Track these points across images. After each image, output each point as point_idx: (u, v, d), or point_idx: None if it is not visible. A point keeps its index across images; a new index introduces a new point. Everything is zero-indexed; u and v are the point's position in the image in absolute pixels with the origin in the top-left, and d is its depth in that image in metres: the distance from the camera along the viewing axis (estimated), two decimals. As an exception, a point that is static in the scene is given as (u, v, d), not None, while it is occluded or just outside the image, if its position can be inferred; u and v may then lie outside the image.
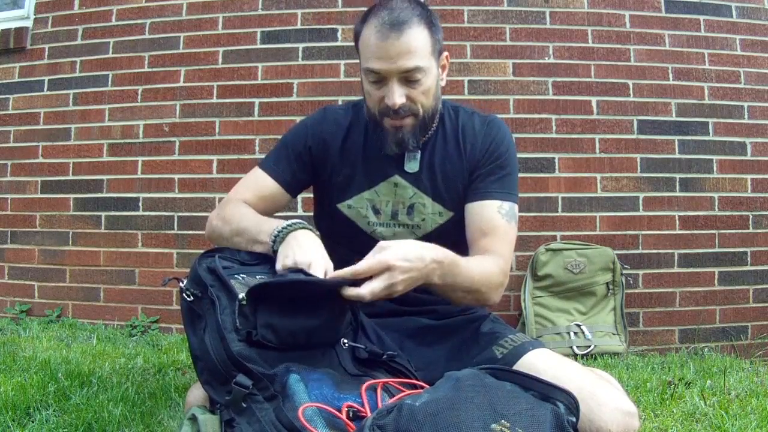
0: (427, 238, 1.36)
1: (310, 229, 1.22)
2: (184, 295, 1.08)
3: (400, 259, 1.09)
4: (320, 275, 1.09)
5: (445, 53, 1.37)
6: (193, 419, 0.98)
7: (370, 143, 1.39)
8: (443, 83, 1.38)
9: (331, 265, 1.13)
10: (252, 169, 1.46)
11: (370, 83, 1.29)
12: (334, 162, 1.41)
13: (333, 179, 1.41)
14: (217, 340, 1.00)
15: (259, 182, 1.42)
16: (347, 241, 1.36)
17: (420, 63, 1.25)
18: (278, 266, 1.13)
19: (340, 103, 2.47)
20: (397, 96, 1.26)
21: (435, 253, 1.15)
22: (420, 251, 1.13)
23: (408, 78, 1.26)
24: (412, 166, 1.37)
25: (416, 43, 1.24)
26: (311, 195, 1.52)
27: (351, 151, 1.40)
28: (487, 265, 1.27)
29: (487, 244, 1.31)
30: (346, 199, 1.39)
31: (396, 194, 1.38)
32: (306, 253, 1.13)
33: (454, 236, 1.39)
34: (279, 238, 1.19)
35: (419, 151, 1.37)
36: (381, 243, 1.13)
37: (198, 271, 1.10)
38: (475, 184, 1.36)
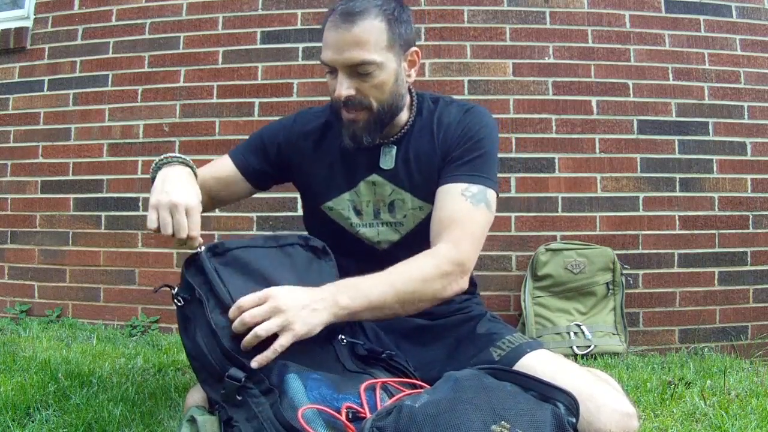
0: (412, 234, 1.35)
1: (189, 165, 1.24)
2: (175, 301, 1.09)
3: (283, 289, 1.05)
4: (197, 220, 1.12)
5: (414, 49, 1.32)
6: (192, 420, 0.98)
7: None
8: (411, 79, 1.33)
9: (200, 206, 1.14)
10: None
11: (326, 74, 1.30)
12: (309, 163, 1.40)
13: (311, 180, 1.41)
14: (209, 338, 1.01)
15: (220, 163, 1.45)
16: (333, 242, 1.33)
17: (369, 57, 1.22)
18: (152, 200, 1.13)
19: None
20: (344, 88, 1.24)
21: (325, 285, 1.11)
22: (304, 289, 1.08)
23: (357, 71, 1.23)
24: (387, 162, 1.35)
25: (368, 35, 1.22)
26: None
27: (327, 152, 1.39)
28: (418, 262, 1.18)
29: (439, 231, 1.23)
30: (326, 201, 1.39)
31: (375, 193, 1.36)
32: (182, 193, 1.13)
33: None
34: (155, 167, 1.23)
35: (394, 147, 1.35)
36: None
37: (185, 275, 1.10)
38: (445, 169, 1.31)
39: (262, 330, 0.98)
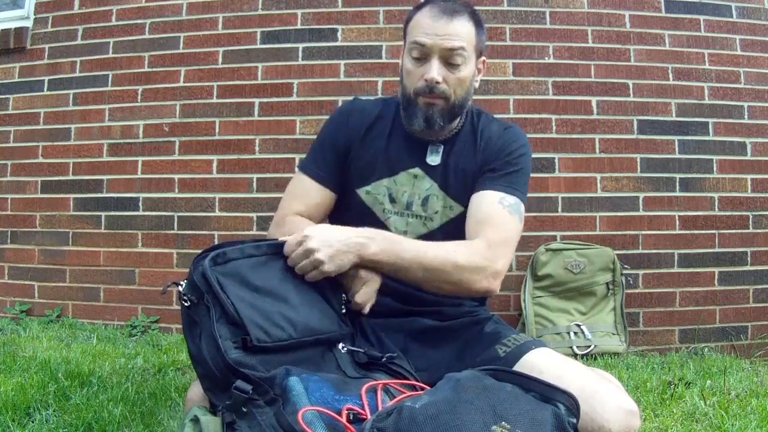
0: (439, 230, 1.39)
1: None
2: (182, 300, 1.08)
3: (318, 229, 1.17)
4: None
5: (484, 58, 1.42)
6: (195, 420, 0.98)
7: (395, 134, 1.42)
8: (476, 85, 1.42)
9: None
10: (294, 175, 1.49)
11: (412, 60, 1.34)
12: (356, 147, 1.44)
13: (354, 164, 1.43)
14: (213, 349, 1.00)
15: (306, 189, 1.44)
16: (359, 225, 1.33)
17: (463, 45, 1.31)
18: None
19: (339, 103, 2.47)
20: (436, 72, 1.30)
21: (364, 229, 1.22)
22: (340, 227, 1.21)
23: (449, 60, 1.31)
24: (434, 158, 1.40)
25: (464, 31, 1.32)
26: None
27: (375, 139, 1.43)
28: (454, 246, 1.25)
29: (476, 231, 1.29)
30: (365, 185, 1.41)
31: (414, 185, 1.40)
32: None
33: (460, 236, 1.38)
34: None
35: (441, 146, 1.41)
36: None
37: (193, 276, 1.08)
38: (484, 175, 1.37)
39: (299, 270, 1.14)
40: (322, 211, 1.44)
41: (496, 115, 1.49)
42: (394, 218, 1.40)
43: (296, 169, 1.48)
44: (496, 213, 1.31)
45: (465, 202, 1.38)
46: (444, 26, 1.31)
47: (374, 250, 1.18)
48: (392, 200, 1.41)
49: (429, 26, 1.32)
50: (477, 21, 1.37)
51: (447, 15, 1.32)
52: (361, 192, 1.42)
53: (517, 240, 1.33)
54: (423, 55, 1.33)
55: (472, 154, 1.41)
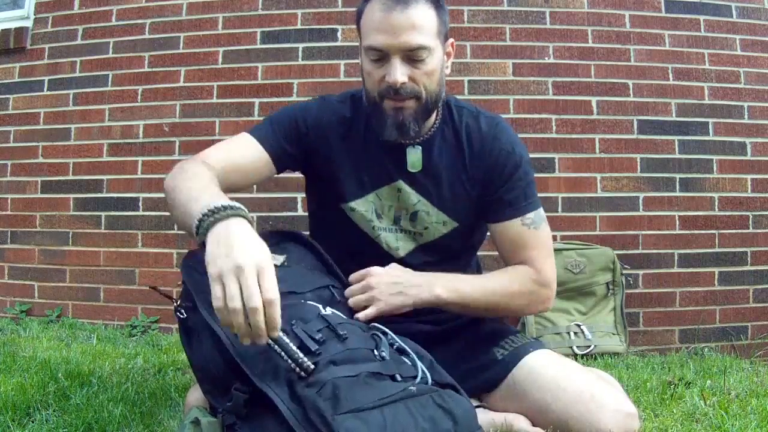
0: (431, 246, 1.33)
1: (244, 216, 0.95)
2: (177, 314, 1.07)
3: (381, 270, 1.20)
4: (273, 280, 0.88)
5: (451, 40, 1.29)
6: (196, 423, 0.98)
7: (370, 141, 1.30)
8: (448, 71, 1.29)
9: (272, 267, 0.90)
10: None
11: (370, 62, 1.21)
12: (334, 158, 1.32)
13: (334, 177, 1.32)
14: (210, 348, 0.99)
15: (242, 146, 1.29)
16: (348, 244, 1.31)
17: (425, 41, 1.17)
18: (212, 270, 0.87)
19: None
20: (399, 74, 1.17)
21: (425, 272, 1.23)
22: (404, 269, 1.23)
23: (411, 56, 1.18)
24: (414, 164, 1.29)
25: (422, 19, 1.17)
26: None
27: (352, 149, 1.32)
28: (507, 276, 1.29)
29: (519, 256, 1.31)
30: (350, 201, 1.32)
31: (399, 199, 1.31)
32: (247, 252, 0.88)
33: (458, 245, 1.36)
34: (204, 226, 0.93)
35: (420, 148, 1.29)
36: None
37: (185, 282, 1.07)
38: (495, 203, 1.31)
39: (352, 302, 1.15)
40: (243, 176, 1.26)
41: (500, 119, 1.41)
42: (384, 234, 1.33)
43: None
44: (526, 236, 1.30)
45: (458, 217, 1.32)
46: (399, 19, 1.15)
47: (438, 293, 1.20)
48: (379, 216, 1.33)
49: (382, 22, 1.16)
50: (435, 1, 1.21)
51: (401, 3, 1.16)
52: (346, 209, 1.33)
53: (551, 243, 1.36)
54: (381, 57, 1.19)
55: (459, 160, 1.31)
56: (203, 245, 0.92)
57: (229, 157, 1.25)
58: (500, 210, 1.31)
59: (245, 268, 0.85)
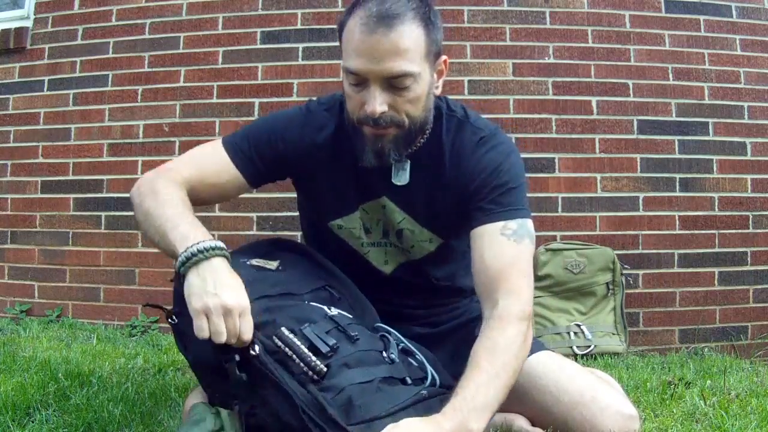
0: (421, 262, 1.30)
1: (227, 257, 1.04)
2: (169, 321, 1.08)
3: (404, 426, 0.91)
4: (250, 323, 0.97)
5: (444, 57, 1.18)
6: (216, 414, 0.98)
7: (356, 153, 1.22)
8: (438, 91, 1.19)
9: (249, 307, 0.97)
10: (211, 141, 1.27)
11: (350, 85, 1.11)
12: (317, 176, 1.26)
13: (319, 195, 1.28)
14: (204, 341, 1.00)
15: (215, 162, 1.21)
16: (338, 260, 1.27)
17: (409, 68, 1.07)
18: (196, 303, 0.96)
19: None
20: (378, 103, 1.07)
21: (446, 411, 0.95)
22: (427, 422, 0.93)
23: (394, 84, 1.08)
24: (401, 177, 1.21)
25: (407, 42, 1.06)
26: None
27: (337, 166, 1.24)
28: (500, 344, 1.05)
29: (496, 292, 1.09)
30: (336, 218, 1.27)
31: (385, 214, 1.26)
32: (234, 295, 0.97)
33: (449, 262, 1.33)
34: (189, 264, 1.03)
35: (408, 161, 1.21)
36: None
37: (176, 290, 1.08)
38: (475, 210, 1.18)
39: None
40: (215, 193, 1.23)
41: (495, 116, 1.40)
42: (373, 251, 1.29)
43: (219, 140, 1.26)
44: (504, 252, 1.12)
45: (444, 234, 1.26)
46: (381, 42, 1.04)
47: (475, 427, 0.94)
48: (368, 231, 1.27)
49: (363, 44, 1.05)
50: (426, 17, 1.10)
51: (384, 24, 1.04)
52: (333, 226, 1.28)
53: (531, 262, 1.16)
54: (360, 81, 1.09)
55: (442, 176, 1.22)
56: (181, 276, 1.03)
57: (200, 174, 1.21)
58: (478, 214, 1.17)
59: (233, 311, 0.95)
